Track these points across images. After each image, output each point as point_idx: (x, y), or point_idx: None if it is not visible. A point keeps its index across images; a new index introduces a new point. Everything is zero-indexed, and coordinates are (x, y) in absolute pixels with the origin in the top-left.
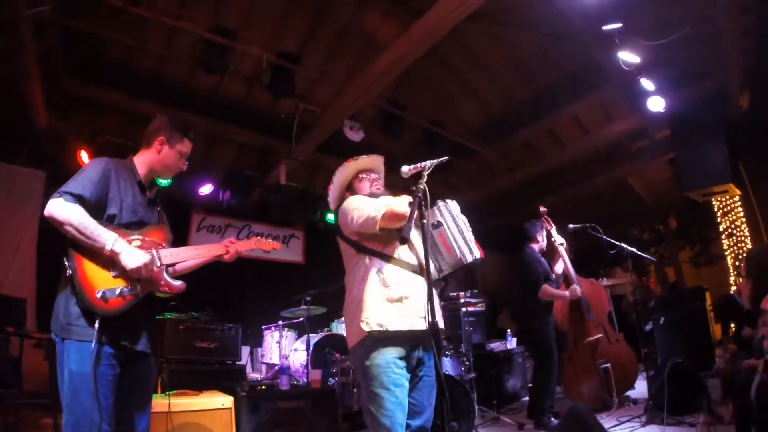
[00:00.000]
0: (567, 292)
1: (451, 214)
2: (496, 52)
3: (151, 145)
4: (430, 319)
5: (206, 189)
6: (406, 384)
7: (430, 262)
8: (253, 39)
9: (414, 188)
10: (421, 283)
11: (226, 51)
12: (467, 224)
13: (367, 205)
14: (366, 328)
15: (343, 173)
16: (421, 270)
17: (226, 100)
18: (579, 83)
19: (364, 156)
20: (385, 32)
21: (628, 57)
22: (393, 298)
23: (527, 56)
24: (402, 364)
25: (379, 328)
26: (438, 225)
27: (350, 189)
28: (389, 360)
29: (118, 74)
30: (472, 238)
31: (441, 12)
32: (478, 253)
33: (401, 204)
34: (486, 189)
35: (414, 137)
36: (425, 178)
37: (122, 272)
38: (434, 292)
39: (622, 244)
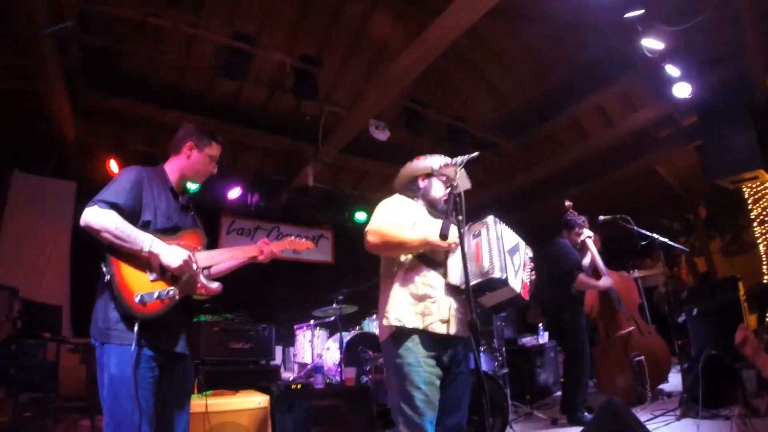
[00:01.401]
0: (600, 282)
1: (497, 232)
2: (514, 46)
3: (180, 152)
4: (470, 316)
5: (234, 193)
6: (437, 382)
7: (458, 269)
8: (271, 44)
9: (449, 185)
10: (444, 287)
11: (247, 57)
12: (527, 264)
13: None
14: (385, 323)
15: (442, 162)
16: (445, 274)
17: (248, 106)
18: (601, 73)
19: (466, 179)
20: (399, 34)
21: (652, 44)
22: (417, 295)
23: (545, 48)
24: (433, 362)
25: (397, 323)
26: (478, 235)
27: (429, 176)
28: (420, 358)
29: (140, 86)
30: (519, 271)
31: (458, 11)
32: (512, 278)
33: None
34: (509, 183)
35: (436, 135)
36: (458, 174)
37: (159, 275)
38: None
39: (654, 235)
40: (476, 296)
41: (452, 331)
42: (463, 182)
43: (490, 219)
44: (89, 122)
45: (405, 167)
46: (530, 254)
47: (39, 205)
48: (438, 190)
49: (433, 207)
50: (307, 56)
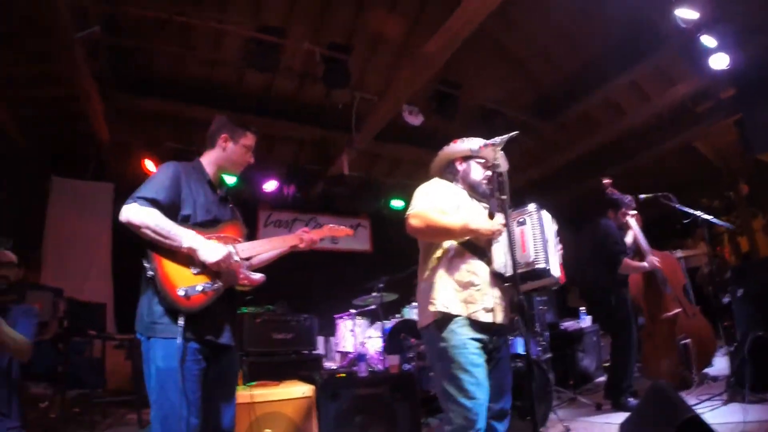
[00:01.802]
0: (645, 263)
1: (540, 220)
2: (543, 24)
3: (215, 145)
4: (516, 297)
5: (270, 185)
6: (484, 364)
7: (503, 257)
8: (298, 34)
9: (490, 164)
10: (489, 275)
11: (275, 48)
12: (557, 245)
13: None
14: (432, 309)
15: (478, 144)
16: (489, 262)
17: (279, 98)
18: (634, 47)
19: (502, 156)
20: (427, 16)
21: (686, 14)
22: (462, 281)
23: (575, 25)
24: (477, 344)
25: (444, 310)
26: (522, 223)
27: (466, 160)
28: (465, 340)
29: (170, 84)
30: (556, 256)
31: None
32: (554, 267)
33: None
34: (546, 165)
35: (468, 119)
36: (498, 154)
37: (202, 269)
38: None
39: (697, 213)
40: (518, 284)
41: (497, 319)
42: (502, 163)
43: (532, 207)
44: (123, 123)
45: (442, 151)
46: (556, 226)
47: (79, 208)
48: (477, 172)
49: (473, 190)
50: (336, 44)
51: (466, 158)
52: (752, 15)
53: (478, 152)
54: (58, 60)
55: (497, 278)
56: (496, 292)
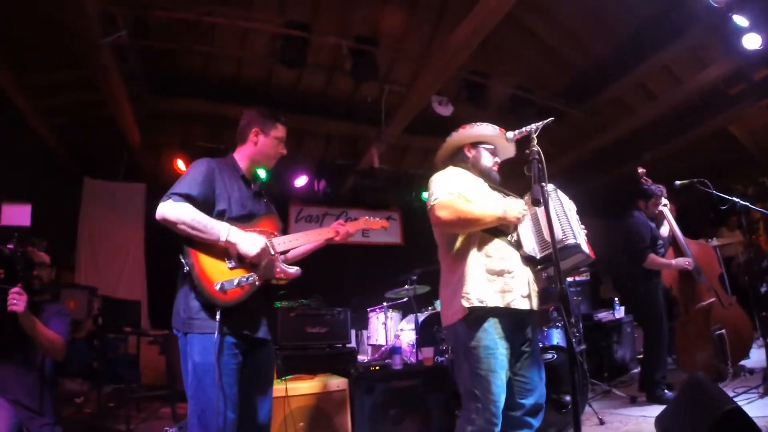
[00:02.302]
0: (673, 261)
1: (558, 198)
2: (573, 7)
3: (246, 140)
4: (558, 285)
5: (301, 181)
6: (507, 366)
7: (532, 240)
8: (325, 29)
9: (528, 151)
10: (520, 259)
11: (302, 43)
12: (578, 219)
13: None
14: (466, 304)
15: (485, 131)
16: (518, 246)
17: (308, 92)
18: (665, 29)
19: (512, 140)
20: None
21: None
22: (494, 270)
23: (605, 7)
24: (507, 344)
25: (480, 304)
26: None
27: (475, 147)
28: (497, 341)
29: (200, 83)
30: (582, 233)
31: None
32: (583, 242)
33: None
34: (578, 151)
35: (499, 107)
36: (535, 141)
37: (238, 263)
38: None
39: (735, 199)
40: (548, 266)
41: (534, 305)
42: (509, 150)
43: (550, 186)
44: (154, 124)
45: (450, 137)
46: (575, 208)
47: (111, 209)
48: (487, 159)
49: (484, 177)
50: (363, 37)
51: (475, 144)
52: None
53: (488, 138)
54: (87, 65)
55: (529, 262)
56: (530, 277)
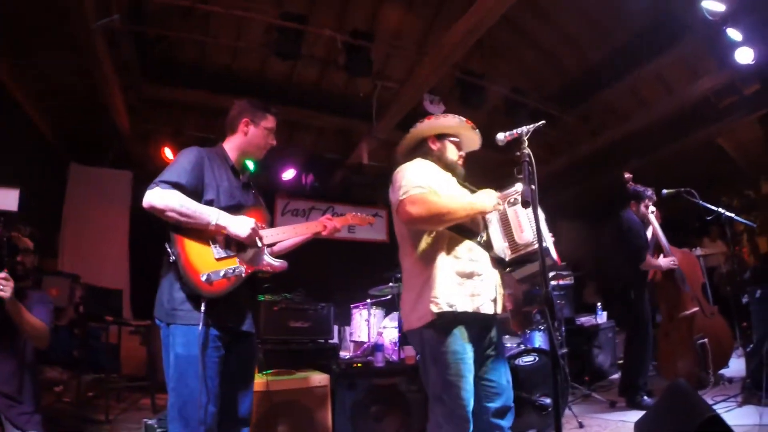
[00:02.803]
0: (661, 263)
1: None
2: (569, 12)
3: (236, 130)
4: (544, 289)
5: (289, 174)
6: (474, 370)
7: (501, 241)
8: (320, 22)
9: (519, 153)
10: (489, 261)
11: (297, 35)
12: (546, 226)
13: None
14: (435, 309)
15: (451, 122)
16: (488, 247)
17: (300, 85)
18: (659, 38)
19: (477, 134)
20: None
21: (712, 5)
22: (464, 272)
23: (602, 14)
24: (473, 348)
25: (450, 309)
26: (515, 203)
27: (441, 139)
28: (465, 345)
29: (193, 72)
30: (550, 239)
31: None
32: (551, 247)
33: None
34: (569, 156)
35: (491, 108)
36: (526, 143)
37: (226, 253)
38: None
39: (720, 210)
40: (515, 268)
41: (499, 309)
42: (474, 142)
43: (520, 186)
44: (145, 112)
45: (415, 128)
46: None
47: (97, 195)
48: (453, 152)
49: (450, 171)
50: (358, 31)
51: (441, 136)
52: None
53: (454, 129)
54: (79, 49)
55: (498, 264)
56: (498, 280)
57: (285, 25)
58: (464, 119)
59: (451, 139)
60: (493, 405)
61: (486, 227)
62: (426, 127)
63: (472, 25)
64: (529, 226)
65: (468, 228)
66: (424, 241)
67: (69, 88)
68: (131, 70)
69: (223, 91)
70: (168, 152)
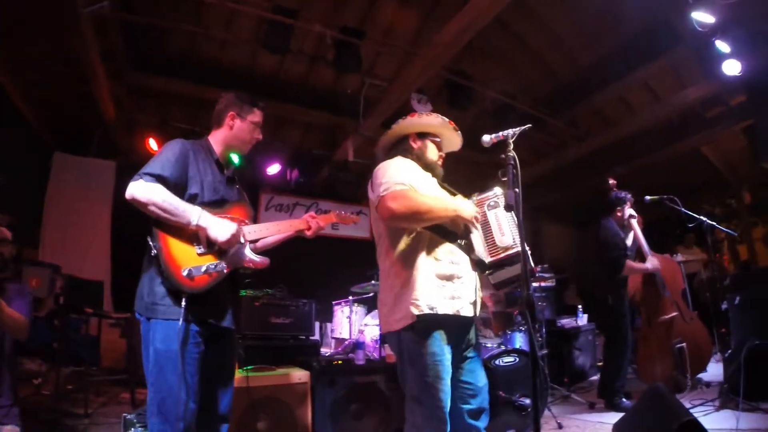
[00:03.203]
0: (648, 265)
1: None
2: (561, 17)
3: (222, 123)
4: (525, 292)
5: (274, 169)
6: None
7: (481, 244)
8: (312, 17)
9: (503, 156)
10: (469, 264)
11: (288, 30)
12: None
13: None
14: (416, 312)
15: (432, 121)
16: (468, 249)
17: (289, 80)
18: (649, 47)
19: (458, 133)
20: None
21: (703, 17)
22: (444, 275)
23: (593, 20)
24: (451, 350)
25: (430, 312)
26: (494, 206)
27: (421, 138)
28: (443, 347)
29: (182, 63)
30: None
31: None
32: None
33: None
34: (555, 160)
35: (479, 109)
36: (512, 146)
37: (207, 249)
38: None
39: (702, 218)
40: (495, 271)
41: (478, 311)
42: (455, 143)
43: (499, 189)
44: (132, 102)
45: (397, 124)
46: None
47: (80, 185)
48: (433, 152)
49: (429, 170)
50: (349, 28)
51: (422, 135)
52: (765, 22)
53: (435, 129)
54: (67, 36)
55: (478, 267)
56: (477, 283)
57: (276, 18)
58: (447, 120)
59: (432, 138)
60: (469, 406)
61: (467, 230)
62: (408, 124)
63: (463, 26)
64: (509, 229)
65: (448, 230)
66: (404, 242)
67: (55, 75)
68: (118, 58)
69: (210, 83)
70: (153, 143)
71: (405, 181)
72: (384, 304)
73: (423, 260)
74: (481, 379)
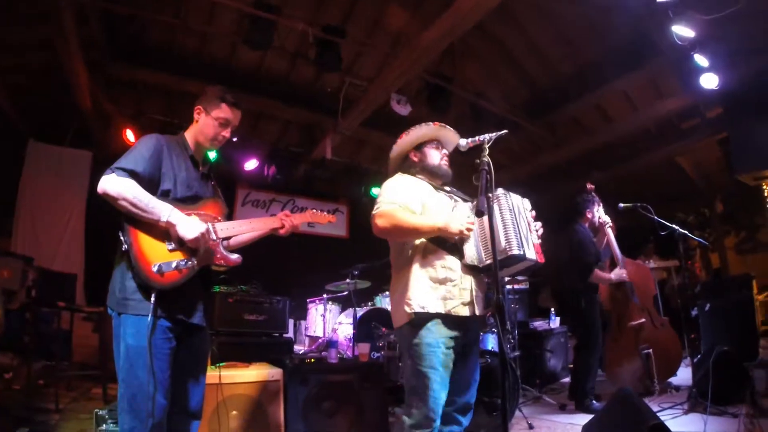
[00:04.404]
0: (612, 275)
1: (509, 203)
2: (543, 25)
3: (192, 118)
4: (495, 296)
5: (251, 164)
6: (451, 365)
7: (473, 249)
8: (294, 14)
9: (478, 161)
10: (463, 268)
11: (271, 26)
12: (532, 224)
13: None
14: (409, 310)
15: (421, 131)
16: (460, 255)
17: (269, 76)
18: (628, 58)
19: (449, 128)
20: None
21: (683, 31)
22: (437, 278)
23: (575, 29)
24: (451, 343)
25: (421, 310)
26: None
27: (419, 150)
28: (439, 339)
29: (161, 55)
30: (532, 236)
31: None
32: (529, 249)
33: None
34: (531, 165)
35: (459, 112)
36: (487, 151)
37: (178, 245)
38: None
39: (674, 226)
40: (491, 273)
41: (476, 312)
42: (455, 138)
43: (500, 191)
44: (110, 92)
45: (393, 151)
46: (529, 206)
47: (55, 175)
48: (434, 157)
49: (435, 176)
50: (331, 27)
51: (419, 147)
52: (745, 38)
53: (428, 137)
54: (46, 23)
55: (471, 270)
56: (473, 285)
57: (258, 14)
58: (432, 123)
59: (429, 144)
60: (458, 399)
61: (461, 238)
62: (403, 144)
63: (445, 29)
64: (503, 232)
65: (440, 239)
66: (402, 250)
67: (32, 62)
68: (97, 47)
69: (189, 75)
70: (130, 134)
71: (396, 199)
72: (392, 303)
73: (417, 266)
74: (473, 376)
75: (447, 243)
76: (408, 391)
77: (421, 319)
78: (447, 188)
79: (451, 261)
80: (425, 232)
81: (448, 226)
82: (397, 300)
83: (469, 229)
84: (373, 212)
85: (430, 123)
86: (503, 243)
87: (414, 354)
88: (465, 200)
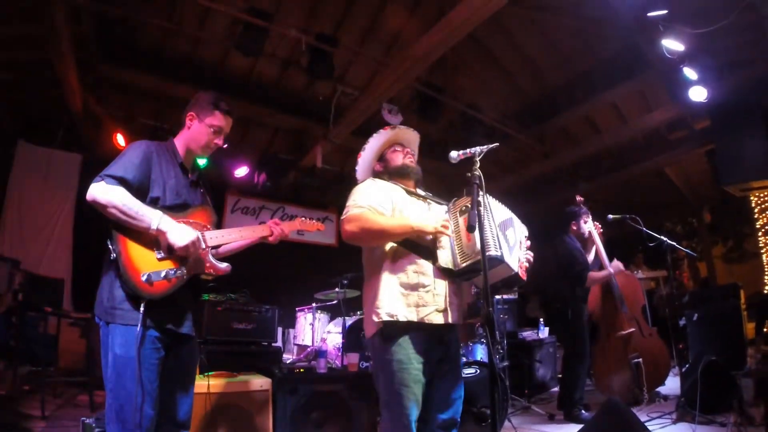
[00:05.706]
0: (611, 269)
1: (486, 206)
2: (535, 36)
3: (183, 124)
4: (485, 309)
5: (241, 171)
6: (424, 380)
7: (447, 251)
8: (287, 21)
9: (470, 174)
10: (436, 272)
11: (262, 32)
12: (523, 243)
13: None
14: (376, 319)
15: (378, 140)
16: (433, 258)
17: (260, 82)
18: (618, 70)
19: (403, 127)
20: (418, 18)
21: (672, 45)
22: (409, 284)
23: (566, 41)
24: (422, 359)
25: (390, 319)
26: (465, 210)
27: (382, 159)
28: (410, 355)
29: (153, 58)
30: (514, 247)
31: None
32: (508, 255)
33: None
34: (520, 175)
35: (449, 121)
36: (478, 164)
37: (168, 254)
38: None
39: (662, 237)
40: (470, 277)
41: (451, 319)
42: (412, 135)
43: (493, 202)
44: (100, 94)
45: (356, 171)
46: (526, 233)
47: (44, 177)
48: (397, 158)
49: (403, 176)
50: (324, 35)
51: (381, 158)
52: (735, 51)
53: (385, 145)
54: (38, 22)
55: (446, 275)
56: (448, 290)
57: (251, 20)
58: (382, 130)
59: (389, 150)
60: (441, 416)
61: (435, 240)
62: (363, 163)
63: (439, 39)
64: (482, 234)
65: (412, 242)
66: (372, 256)
67: (22, 61)
68: (89, 48)
69: (180, 79)
70: (120, 138)
71: (364, 203)
72: (364, 313)
73: (387, 271)
74: (456, 391)
75: (419, 246)
76: (382, 405)
77: (392, 330)
78: (421, 192)
79: (423, 265)
80: (397, 233)
81: (422, 224)
82: (367, 310)
83: (444, 227)
84: (342, 217)
85: (381, 130)
86: (478, 244)
87: (385, 370)
88: (440, 203)
